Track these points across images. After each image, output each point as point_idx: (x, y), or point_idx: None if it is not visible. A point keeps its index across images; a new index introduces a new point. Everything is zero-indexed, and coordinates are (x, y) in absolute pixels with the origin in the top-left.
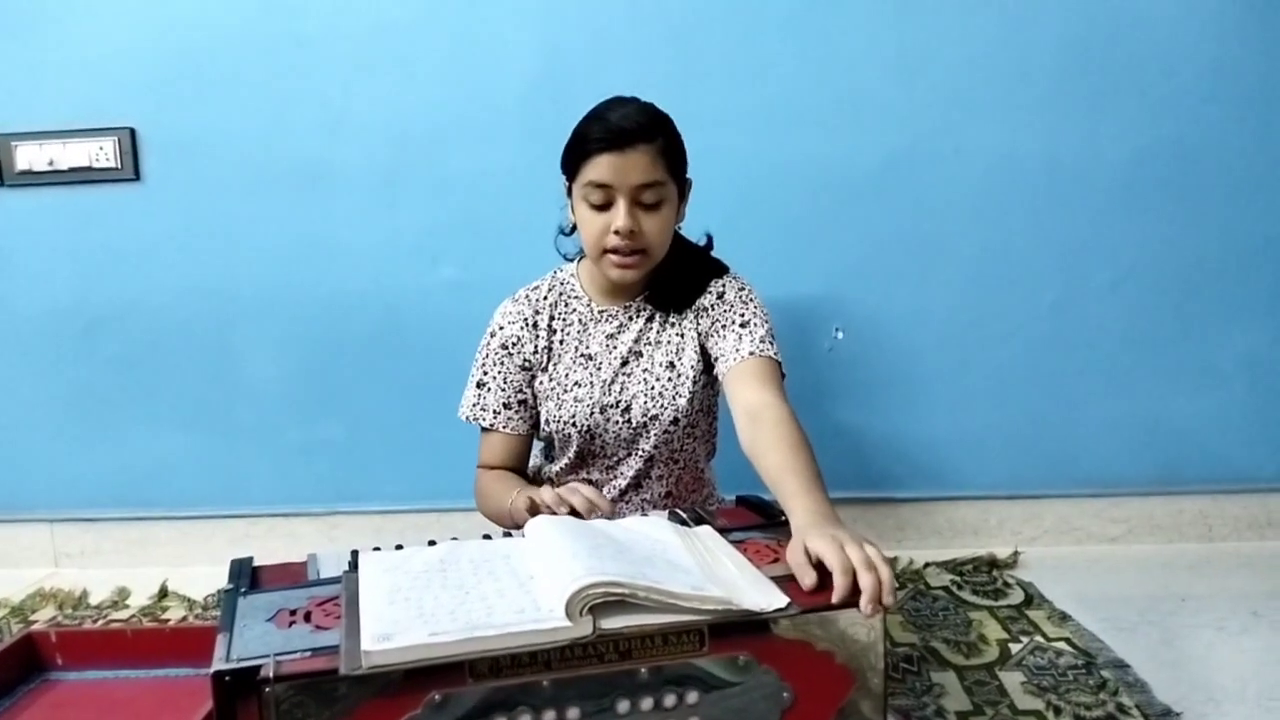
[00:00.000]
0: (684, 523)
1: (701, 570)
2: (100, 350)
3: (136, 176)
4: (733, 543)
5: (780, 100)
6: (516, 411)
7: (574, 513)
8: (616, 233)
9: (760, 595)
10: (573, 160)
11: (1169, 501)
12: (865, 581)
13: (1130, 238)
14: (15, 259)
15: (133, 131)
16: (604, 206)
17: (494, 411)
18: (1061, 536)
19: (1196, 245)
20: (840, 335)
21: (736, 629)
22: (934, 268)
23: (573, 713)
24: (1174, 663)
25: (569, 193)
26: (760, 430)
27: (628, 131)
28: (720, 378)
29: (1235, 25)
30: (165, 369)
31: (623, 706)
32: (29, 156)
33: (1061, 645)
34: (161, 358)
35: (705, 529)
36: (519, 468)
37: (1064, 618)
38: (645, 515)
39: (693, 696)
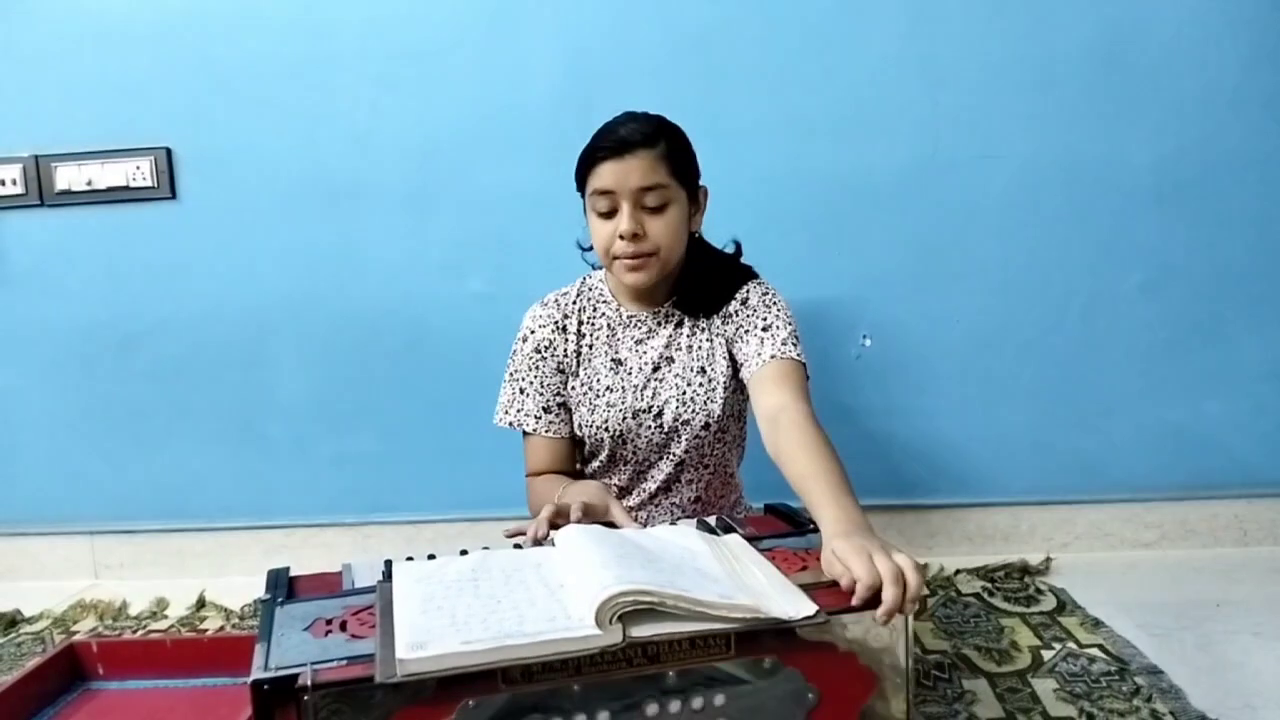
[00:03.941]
0: (712, 531)
1: (730, 579)
2: (137, 365)
3: (173, 195)
4: (761, 551)
5: (806, 108)
6: (557, 415)
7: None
8: (621, 237)
9: (788, 604)
10: (581, 173)
11: (1203, 506)
12: (888, 595)
13: (1158, 242)
14: (55, 277)
15: (169, 151)
16: (610, 214)
17: (535, 416)
18: (1094, 542)
19: (1225, 248)
20: (868, 342)
21: (762, 632)
22: (961, 274)
23: (602, 715)
24: (1209, 669)
25: (585, 209)
26: (781, 434)
27: (629, 140)
28: (745, 382)
29: (1262, 26)
30: (200, 383)
31: (651, 709)
32: (68, 177)
33: (1094, 652)
34: (196, 372)
35: (733, 537)
36: (567, 470)
37: (1097, 624)
38: (674, 523)
39: (719, 698)
